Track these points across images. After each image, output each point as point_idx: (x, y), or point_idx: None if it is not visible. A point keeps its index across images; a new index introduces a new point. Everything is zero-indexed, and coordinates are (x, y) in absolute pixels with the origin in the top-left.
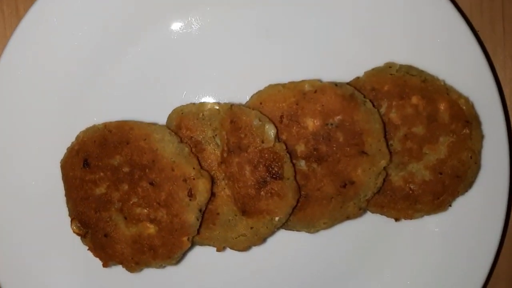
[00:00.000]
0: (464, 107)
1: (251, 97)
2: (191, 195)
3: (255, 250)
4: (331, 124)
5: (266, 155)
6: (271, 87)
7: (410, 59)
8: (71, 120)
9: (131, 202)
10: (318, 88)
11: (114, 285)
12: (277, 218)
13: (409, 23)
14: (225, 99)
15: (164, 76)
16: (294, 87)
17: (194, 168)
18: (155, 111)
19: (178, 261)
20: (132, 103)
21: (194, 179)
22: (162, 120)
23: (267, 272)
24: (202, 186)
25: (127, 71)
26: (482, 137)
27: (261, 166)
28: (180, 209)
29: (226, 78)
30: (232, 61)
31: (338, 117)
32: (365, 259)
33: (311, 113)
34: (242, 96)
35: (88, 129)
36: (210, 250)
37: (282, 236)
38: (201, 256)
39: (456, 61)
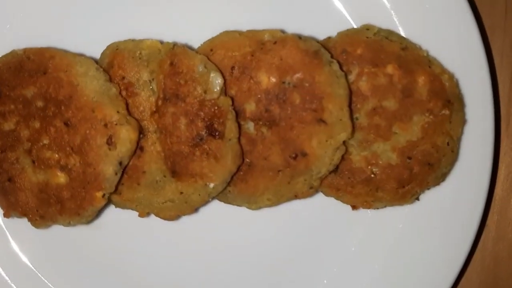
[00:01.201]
0: (447, 84)
1: (203, 43)
2: (110, 143)
3: (184, 220)
4: (288, 83)
5: (207, 108)
6: (226, 33)
7: (391, 25)
8: None
9: (41, 144)
10: (279, 39)
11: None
12: (211, 185)
13: None
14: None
15: (106, 8)
16: (252, 35)
17: (118, 112)
18: (91, 46)
19: (89, 221)
20: (66, 34)
21: (116, 124)
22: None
23: (194, 248)
24: (125, 134)
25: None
26: (463, 121)
27: (199, 120)
28: (95, 158)
29: (178, 20)
30: (187, 1)
31: (297, 75)
32: (310, 248)
33: (267, 67)
34: (194, 43)
35: (6, 55)
36: (131, 215)
37: (218, 209)
38: (122, 220)
39: (444, 32)
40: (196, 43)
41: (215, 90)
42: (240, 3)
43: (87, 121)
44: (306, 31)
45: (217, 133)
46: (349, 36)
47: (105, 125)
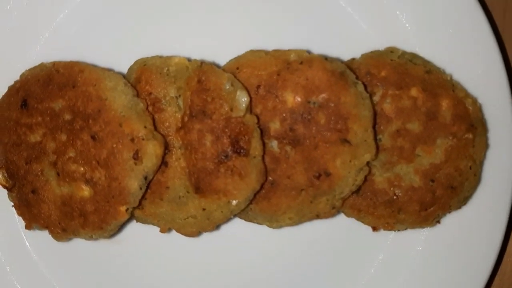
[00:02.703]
0: (471, 108)
1: (229, 61)
2: (137, 157)
3: (205, 237)
4: (314, 103)
5: (233, 125)
6: (252, 52)
7: (415, 48)
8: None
9: (67, 156)
10: (305, 60)
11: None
12: (234, 202)
13: (420, 7)
14: None
15: (133, 24)
16: (278, 55)
17: (145, 127)
18: (118, 61)
19: (111, 235)
20: (94, 48)
21: (143, 139)
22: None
23: (214, 265)
24: (151, 150)
25: (92, 13)
26: (486, 146)
27: (225, 137)
28: (121, 172)
29: (204, 38)
30: (214, 19)
31: (323, 95)
32: (329, 269)
33: (292, 87)
34: (220, 61)
35: (35, 67)
36: (153, 230)
37: (239, 227)
38: (142, 235)
39: (468, 56)
40: (222, 61)
41: (241, 107)
42: (265, 23)
43: (114, 135)
44: (329, 51)
45: (242, 151)
46: (374, 58)
47: (132, 140)
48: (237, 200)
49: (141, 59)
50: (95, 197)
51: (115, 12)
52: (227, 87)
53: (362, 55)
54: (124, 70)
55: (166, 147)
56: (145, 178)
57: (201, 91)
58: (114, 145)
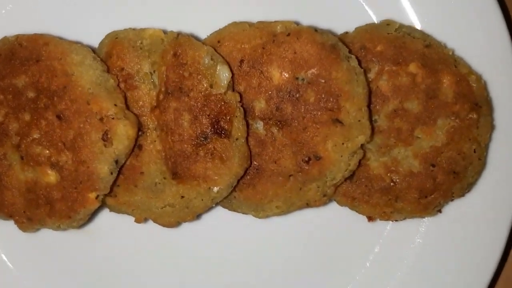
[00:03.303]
0: (474, 86)
1: (210, 35)
2: (106, 138)
3: (185, 228)
4: (302, 79)
5: (213, 103)
6: (235, 24)
7: (414, 20)
8: None
9: (31, 138)
10: (293, 31)
11: None
12: (215, 189)
13: None
14: None
15: None
16: (263, 27)
17: (116, 106)
18: (88, 35)
19: (81, 225)
20: (61, 21)
21: (113, 118)
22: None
23: (195, 258)
24: (122, 130)
25: None
26: (492, 127)
27: (203, 116)
28: (89, 155)
29: (183, 9)
30: None
31: (312, 70)
32: (320, 262)
33: (279, 61)
34: (200, 34)
35: None
36: (128, 221)
37: (222, 217)
38: (116, 226)
39: (471, 28)
40: (202, 35)
41: (222, 84)
42: None
43: (81, 114)
44: (321, 25)
45: (223, 132)
46: (369, 31)
47: (101, 119)
48: (218, 187)
49: (113, 32)
50: (62, 183)
51: None
52: (206, 62)
53: (356, 28)
54: (95, 44)
55: (140, 128)
56: (116, 161)
57: (177, 65)
58: (82, 125)
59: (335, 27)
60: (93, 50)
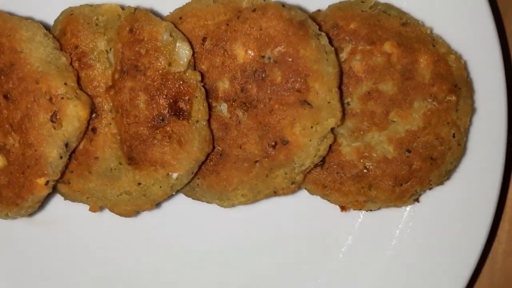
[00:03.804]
0: (454, 66)
1: (172, 12)
2: (55, 120)
3: (144, 217)
4: (269, 58)
5: (171, 83)
6: (199, 0)
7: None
8: None
9: None
10: (259, 7)
11: None
12: (174, 175)
13: None
14: None
15: None
16: (227, 2)
17: (66, 85)
18: (44, 11)
19: (30, 213)
20: None
21: (63, 98)
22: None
23: (155, 250)
24: (73, 111)
25: None
26: (472, 110)
27: (161, 97)
28: (37, 137)
29: None
30: None
31: (279, 48)
32: (290, 255)
33: (244, 39)
34: (162, 11)
35: None
36: (84, 209)
37: (184, 206)
38: (72, 215)
39: (451, 6)
40: (165, 12)
41: (182, 62)
42: None
43: (29, 93)
44: (291, 1)
45: (182, 113)
46: (342, 9)
47: (50, 99)
48: (177, 173)
49: (68, 8)
50: (9, 167)
51: None
52: (165, 38)
53: (329, 6)
54: (51, 22)
55: (93, 110)
56: (66, 145)
57: (133, 42)
58: (29, 106)
59: (306, 4)
60: (49, 28)
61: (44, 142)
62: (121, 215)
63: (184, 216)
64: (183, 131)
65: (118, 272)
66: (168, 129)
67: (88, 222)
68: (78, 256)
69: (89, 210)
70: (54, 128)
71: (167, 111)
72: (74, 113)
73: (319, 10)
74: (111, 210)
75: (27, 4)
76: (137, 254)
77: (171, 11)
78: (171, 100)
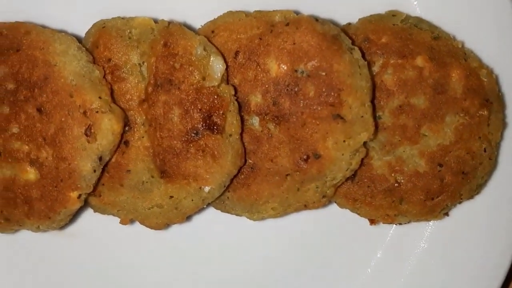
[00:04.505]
0: (485, 80)
1: (204, 25)
2: (89, 133)
3: (174, 230)
4: (302, 72)
5: (205, 97)
6: (231, 13)
7: (421, 11)
8: None
9: (10, 133)
10: (292, 21)
11: None
12: (207, 189)
13: None
14: None
15: None
16: (260, 16)
17: (100, 98)
18: (75, 24)
19: (61, 226)
20: (46, 8)
21: (97, 112)
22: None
23: (185, 262)
24: (107, 125)
25: None
26: (504, 125)
27: (195, 111)
28: (71, 151)
29: None
30: None
31: (313, 62)
32: (319, 268)
33: (277, 53)
34: (194, 24)
35: None
36: (113, 222)
37: (214, 219)
38: (101, 228)
39: (481, 20)
40: (196, 25)
41: (216, 76)
42: None
43: (63, 107)
44: (322, 15)
45: (215, 127)
46: (373, 22)
47: (84, 113)
48: (209, 186)
49: (100, 20)
50: (42, 181)
51: None
52: (199, 52)
53: (360, 19)
54: (82, 34)
55: (126, 123)
56: (100, 158)
57: (167, 56)
58: (63, 119)
59: (337, 17)
60: (79, 40)
61: (78, 155)
62: (151, 228)
63: (212, 229)
64: (217, 145)
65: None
66: (201, 142)
67: (115, 235)
68: (104, 268)
69: (120, 222)
70: (88, 142)
71: (201, 125)
72: (109, 126)
73: (349, 24)
74: (142, 223)
75: (56, 16)
76: (163, 266)
77: (202, 24)
78: (205, 114)
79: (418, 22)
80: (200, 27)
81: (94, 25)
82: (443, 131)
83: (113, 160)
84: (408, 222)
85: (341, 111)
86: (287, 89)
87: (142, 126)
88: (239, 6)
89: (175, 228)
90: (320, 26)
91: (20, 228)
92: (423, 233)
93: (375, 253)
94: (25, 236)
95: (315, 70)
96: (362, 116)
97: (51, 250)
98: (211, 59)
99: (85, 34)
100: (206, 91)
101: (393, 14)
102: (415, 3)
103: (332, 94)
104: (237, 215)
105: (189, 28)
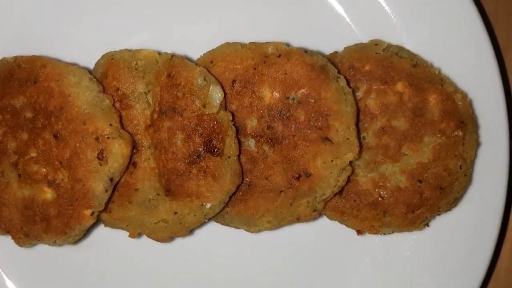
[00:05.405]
0: (460, 104)
1: (202, 55)
2: (101, 157)
3: (178, 243)
4: (293, 99)
5: (205, 123)
6: (227, 45)
7: (401, 40)
8: None
9: (29, 157)
10: (283, 53)
11: None
12: (208, 205)
13: None
14: None
15: (100, 16)
16: (255, 48)
17: (111, 125)
18: (85, 56)
19: (76, 240)
20: (59, 43)
21: (108, 138)
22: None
23: (188, 273)
24: (117, 149)
25: (56, 5)
26: (477, 144)
27: (196, 135)
28: (85, 173)
29: (176, 30)
30: (187, 10)
31: (302, 90)
32: (311, 276)
33: (270, 82)
34: (193, 54)
35: None
36: (122, 236)
37: (215, 232)
38: (111, 241)
39: (457, 48)
40: (195, 55)
41: (215, 104)
42: (242, 14)
43: (77, 134)
44: (310, 44)
45: (215, 150)
46: (357, 51)
47: (97, 139)
48: (211, 203)
49: (109, 52)
50: (58, 200)
51: (80, 4)
52: (199, 82)
53: (345, 48)
54: (91, 65)
55: (134, 147)
56: (111, 179)
57: (171, 86)
58: (78, 145)
59: (324, 46)
60: (89, 70)
61: (91, 177)
62: (157, 240)
63: (213, 240)
64: (217, 166)
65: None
66: (203, 164)
67: (123, 247)
68: (112, 276)
69: (129, 236)
70: (100, 165)
71: (202, 148)
72: (119, 151)
73: (336, 52)
74: (149, 236)
75: (67, 48)
76: (167, 273)
77: (201, 53)
78: (206, 139)
79: (399, 51)
80: (200, 57)
81: (102, 57)
82: (422, 150)
83: (122, 179)
84: (392, 232)
85: (329, 134)
86: (279, 114)
87: (149, 149)
88: (235, 37)
89: (179, 241)
90: (309, 57)
91: (38, 243)
92: (407, 242)
93: (363, 259)
94: (42, 248)
95: (305, 97)
96: (348, 138)
97: (66, 261)
98: (211, 88)
99: (95, 65)
100: (207, 117)
101: (375, 43)
102: (397, 32)
103: (321, 119)
104: (235, 228)
105: (189, 58)
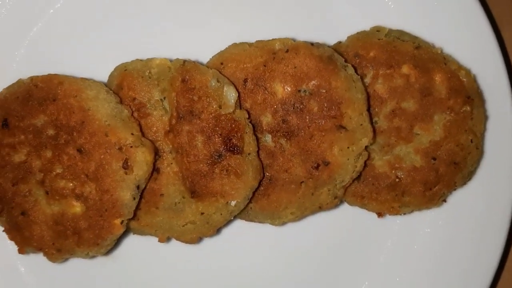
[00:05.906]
0: (465, 80)
1: (212, 57)
2: (126, 166)
3: (207, 243)
4: (304, 91)
5: (223, 123)
6: (235, 45)
7: (402, 25)
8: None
9: (55, 173)
10: (291, 47)
11: None
12: (233, 203)
13: None
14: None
15: (110, 29)
16: (262, 46)
17: (132, 134)
18: (97, 69)
19: (108, 250)
20: (71, 59)
21: (132, 147)
22: (104, 80)
23: (221, 271)
24: (141, 157)
25: (66, 23)
26: (485, 117)
27: (216, 136)
28: (112, 183)
29: (184, 37)
30: (193, 16)
31: (313, 82)
32: (338, 260)
33: (281, 77)
34: (202, 58)
35: (12, 85)
36: (151, 241)
37: (241, 228)
38: (140, 248)
39: (456, 27)
40: (204, 58)
41: (230, 104)
42: (242, 15)
43: (100, 146)
44: (314, 37)
45: (235, 148)
46: (360, 39)
47: (120, 149)
48: (235, 200)
49: (121, 64)
50: (88, 212)
51: (89, 20)
52: (213, 84)
53: (348, 37)
54: (105, 78)
55: (156, 153)
56: (138, 187)
57: (186, 90)
58: (102, 156)
59: (328, 38)
60: (104, 83)
61: (118, 187)
62: (186, 242)
63: (240, 237)
64: (238, 163)
65: None
66: (225, 163)
67: (151, 252)
68: (145, 284)
69: (158, 241)
70: (126, 174)
71: (222, 148)
72: (142, 158)
73: (340, 42)
74: (178, 239)
75: (79, 64)
76: (195, 273)
77: (210, 56)
78: (225, 138)
79: (400, 35)
80: (209, 60)
81: (116, 68)
82: (433, 128)
83: (147, 186)
84: (412, 212)
85: (343, 121)
86: (293, 108)
87: (170, 154)
88: (239, 38)
89: (206, 241)
90: (316, 49)
91: (71, 257)
92: (425, 219)
93: (386, 242)
94: (74, 264)
95: (316, 89)
96: (361, 124)
97: (98, 275)
98: (225, 89)
99: (109, 77)
100: (224, 117)
101: (377, 29)
102: (397, 17)
103: (333, 107)
104: (260, 222)
105: (199, 62)
